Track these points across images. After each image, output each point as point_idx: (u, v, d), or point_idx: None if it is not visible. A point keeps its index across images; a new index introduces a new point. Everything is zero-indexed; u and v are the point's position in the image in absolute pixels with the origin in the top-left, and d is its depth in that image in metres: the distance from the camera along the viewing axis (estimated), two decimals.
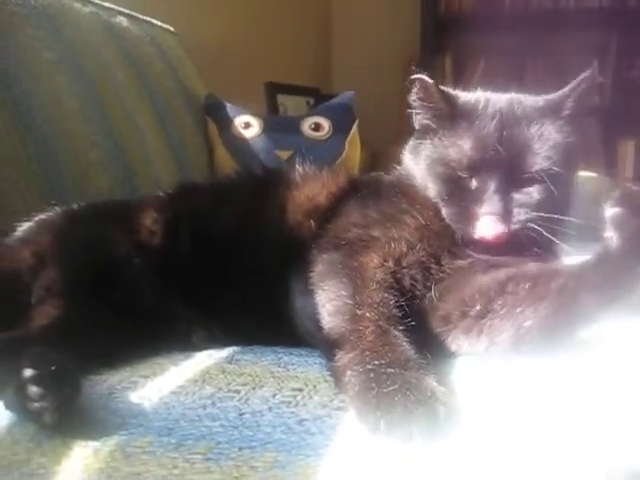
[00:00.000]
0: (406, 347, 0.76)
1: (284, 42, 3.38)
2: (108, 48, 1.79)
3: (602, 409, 0.70)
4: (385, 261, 0.90)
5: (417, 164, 1.02)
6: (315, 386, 0.80)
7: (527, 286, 0.85)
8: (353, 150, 2.16)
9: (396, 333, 0.78)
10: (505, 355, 0.85)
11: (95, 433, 0.68)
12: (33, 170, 1.34)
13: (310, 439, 0.67)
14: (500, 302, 0.86)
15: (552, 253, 0.96)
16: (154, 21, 2.14)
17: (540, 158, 0.93)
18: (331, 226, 0.98)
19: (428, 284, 0.92)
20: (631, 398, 0.72)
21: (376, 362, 0.72)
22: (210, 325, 0.98)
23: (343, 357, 0.76)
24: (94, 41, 1.74)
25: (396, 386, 0.68)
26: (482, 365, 0.85)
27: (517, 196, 0.93)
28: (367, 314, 0.80)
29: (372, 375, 0.70)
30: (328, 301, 0.85)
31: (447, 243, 0.94)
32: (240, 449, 0.65)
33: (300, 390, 0.79)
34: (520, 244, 0.93)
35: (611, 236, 0.79)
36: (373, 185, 1.07)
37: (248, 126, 2.10)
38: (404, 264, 0.91)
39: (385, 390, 0.68)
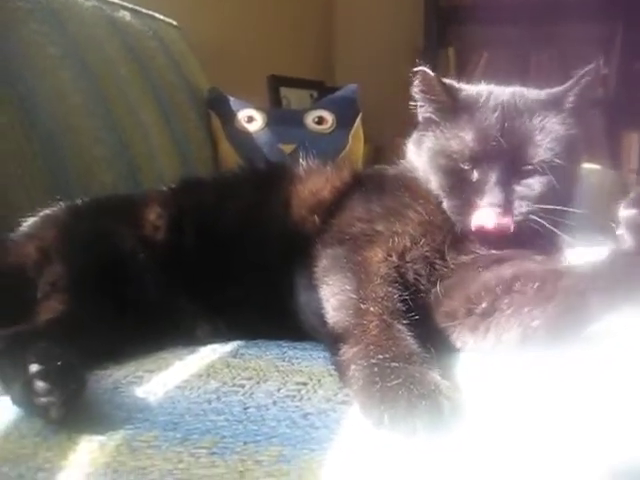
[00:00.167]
0: (410, 341, 0.76)
1: (287, 35, 3.37)
2: (111, 42, 1.79)
3: (606, 405, 0.70)
4: (389, 256, 0.90)
5: (419, 156, 1.02)
6: (319, 380, 0.80)
7: (535, 285, 0.85)
8: (357, 143, 2.16)
9: (400, 327, 0.79)
10: (510, 351, 0.85)
11: (101, 427, 0.69)
12: (38, 165, 1.34)
13: (315, 433, 0.67)
14: (507, 301, 0.86)
15: (554, 245, 0.96)
16: (157, 15, 2.13)
17: (542, 150, 0.93)
18: (335, 221, 0.99)
19: (432, 279, 0.93)
20: (635, 395, 0.72)
21: (380, 356, 0.72)
22: (214, 320, 0.99)
23: (347, 351, 0.76)
24: (97, 36, 1.74)
25: (400, 380, 0.68)
26: (486, 359, 0.85)
27: (518, 188, 0.93)
28: (371, 308, 0.80)
29: (376, 369, 0.71)
30: (332, 295, 0.85)
31: (450, 238, 0.94)
32: (245, 443, 0.65)
33: (304, 384, 0.79)
34: (522, 236, 0.93)
35: (624, 237, 0.79)
36: (377, 179, 1.07)
37: (251, 120, 2.10)
38: (408, 259, 0.91)
39: (389, 384, 0.68)
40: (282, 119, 2.17)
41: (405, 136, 1.08)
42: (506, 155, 0.93)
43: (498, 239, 0.93)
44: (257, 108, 2.15)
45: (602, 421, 0.68)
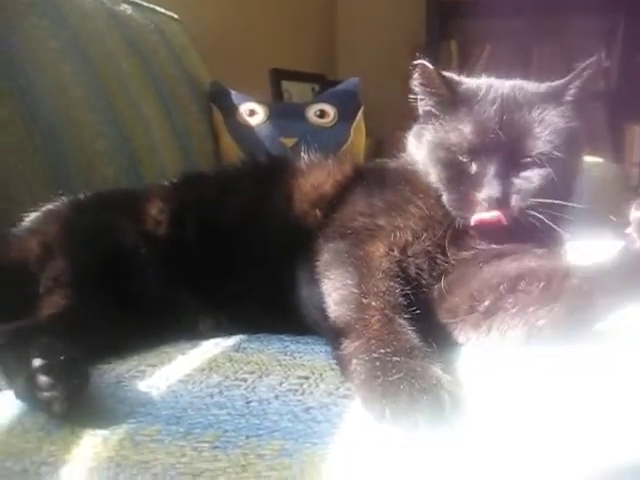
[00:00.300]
0: (411, 336, 0.76)
1: (289, 28, 3.36)
2: (112, 36, 1.79)
3: (608, 401, 0.71)
4: (391, 250, 0.90)
5: (419, 149, 1.02)
6: (321, 374, 0.81)
7: (540, 285, 0.85)
8: (358, 137, 2.16)
9: (402, 322, 0.79)
10: (513, 347, 0.85)
11: (104, 422, 0.69)
12: (39, 159, 1.34)
13: (316, 427, 0.67)
14: (511, 300, 0.86)
15: (553, 239, 0.95)
16: (158, 8, 2.13)
17: (541, 142, 0.92)
18: (337, 215, 0.99)
19: (434, 274, 0.93)
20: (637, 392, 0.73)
21: (382, 350, 0.72)
22: (216, 314, 0.99)
23: (349, 345, 0.76)
24: (98, 29, 1.73)
25: (401, 374, 0.68)
26: (487, 354, 0.85)
27: (517, 181, 0.92)
28: (373, 303, 0.80)
29: (378, 363, 0.71)
30: (334, 290, 0.85)
31: (450, 233, 0.94)
32: (247, 437, 0.65)
33: (306, 378, 0.79)
34: (520, 230, 0.93)
35: (633, 237, 0.79)
36: (378, 173, 1.07)
37: (253, 113, 2.10)
38: (410, 253, 0.92)
39: (390, 378, 0.68)
40: (284, 113, 2.17)
41: (406, 129, 1.08)
42: (504, 148, 0.92)
43: (496, 232, 0.93)
44: (259, 101, 2.15)
45: (602, 416, 0.68)
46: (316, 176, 1.08)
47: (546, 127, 0.93)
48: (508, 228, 0.93)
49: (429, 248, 0.93)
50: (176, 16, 2.23)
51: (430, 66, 0.98)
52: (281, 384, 0.78)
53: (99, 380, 0.79)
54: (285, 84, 3.23)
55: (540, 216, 0.91)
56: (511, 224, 0.92)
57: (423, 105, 1.02)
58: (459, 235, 0.95)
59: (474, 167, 0.94)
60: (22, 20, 1.45)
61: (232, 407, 0.72)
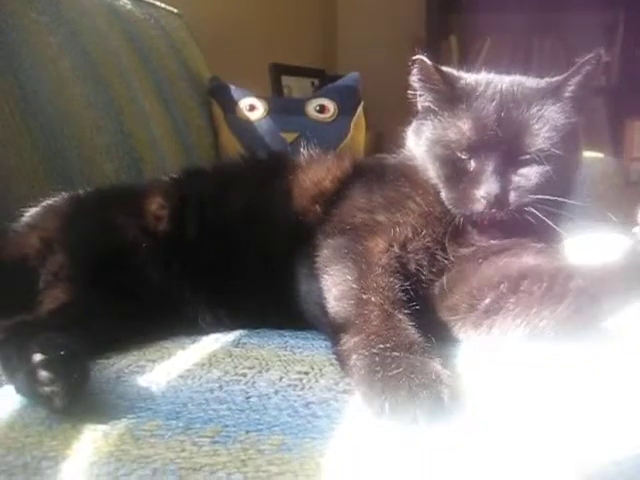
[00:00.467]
0: (411, 331, 0.77)
1: (289, 23, 3.35)
2: (112, 31, 1.79)
3: (607, 396, 0.71)
4: (390, 246, 0.90)
5: (418, 145, 1.01)
6: (321, 369, 0.81)
7: (543, 286, 0.85)
8: (358, 132, 2.16)
9: (401, 317, 0.79)
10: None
11: (104, 417, 0.69)
12: (39, 155, 1.34)
13: (316, 422, 0.67)
14: (513, 300, 0.86)
15: (552, 235, 0.95)
16: (158, 3, 2.13)
17: (539, 139, 0.92)
18: (336, 211, 0.99)
19: (433, 270, 0.93)
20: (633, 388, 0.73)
21: (381, 346, 0.73)
22: (216, 309, 0.99)
23: (348, 341, 0.77)
24: (98, 24, 1.73)
25: (401, 369, 0.68)
26: (487, 349, 0.86)
27: (515, 178, 0.92)
28: (372, 298, 0.81)
29: (377, 359, 0.71)
30: (334, 285, 0.86)
31: (449, 229, 0.94)
32: (247, 432, 0.66)
33: (306, 373, 0.80)
34: (519, 226, 0.93)
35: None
36: (378, 169, 1.07)
37: (253, 108, 2.10)
38: (409, 249, 0.92)
39: (390, 373, 0.68)
40: (283, 107, 2.17)
41: (406, 125, 1.08)
42: (503, 145, 0.92)
43: (494, 229, 0.93)
44: (258, 96, 2.15)
45: (601, 410, 0.68)
46: (316, 172, 1.08)
47: (545, 124, 0.93)
48: (505, 224, 0.93)
49: (429, 244, 0.93)
50: (176, 11, 2.23)
51: (429, 61, 0.97)
52: (281, 379, 0.78)
53: (99, 375, 0.79)
54: (285, 79, 3.22)
55: (538, 213, 0.91)
56: (509, 221, 0.92)
57: (422, 101, 1.01)
58: (458, 232, 0.95)
59: (473, 164, 0.94)
60: (21, 16, 1.44)
61: (232, 402, 0.72)
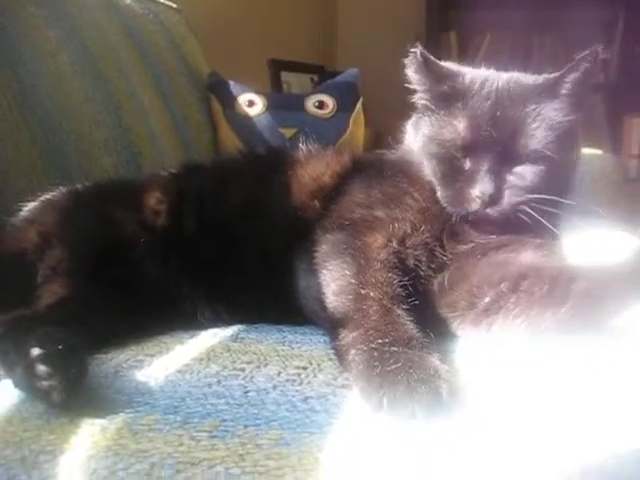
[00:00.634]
0: (409, 326, 0.77)
1: (288, 19, 3.35)
2: (111, 26, 1.78)
3: (606, 392, 0.71)
4: (389, 241, 0.90)
5: (415, 141, 1.01)
6: (319, 364, 0.81)
7: (544, 288, 0.85)
8: (357, 128, 2.15)
9: (400, 312, 0.79)
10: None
11: (102, 411, 0.69)
12: (37, 150, 1.34)
13: (314, 417, 0.67)
14: (513, 300, 0.86)
15: (549, 233, 0.94)
16: None
17: (535, 139, 0.91)
18: (335, 206, 0.99)
19: (432, 265, 0.93)
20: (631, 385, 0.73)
21: (380, 341, 0.73)
22: (215, 304, 0.99)
23: (347, 336, 0.77)
24: (97, 19, 1.73)
25: (399, 364, 0.68)
26: (485, 344, 0.86)
27: (510, 177, 0.91)
28: (371, 293, 0.81)
29: (375, 354, 0.71)
30: (332, 281, 0.86)
31: (447, 226, 0.94)
32: (245, 427, 0.66)
33: (304, 368, 0.80)
34: (515, 225, 0.92)
35: None
36: (377, 164, 1.06)
37: (252, 104, 2.10)
38: (408, 244, 0.92)
39: (388, 368, 0.68)
40: (283, 103, 2.17)
41: (406, 120, 1.07)
42: (498, 144, 0.91)
43: (490, 227, 0.93)
44: (257, 92, 2.15)
45: (598, 405, 0.68)
46: (315, 167, 1.08)
47: (541, 123, 0.92)
48: (503, 223, 0.92)
49: (427, 240, 0.93)
50: (175, 6, 2.22)
51: (425, 56, 0.97)
52: (279, 374, 0.78)
53: (97, 370, 0.79)
54: (284, 75, 3.22)
55: (534, 212, 0.90)
56: (505, 220, 0.92)
57: (419, 97, 1.01)
58: (455, 229, 0.95)
59: (468, 163, 0.93)
60: (20, 10, 1.44)
61: (230, 397, 0.72)
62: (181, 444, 0.63)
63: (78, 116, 1.49)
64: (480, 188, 0.90)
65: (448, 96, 0.96)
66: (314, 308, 0.90)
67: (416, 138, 1.01)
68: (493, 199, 0.90)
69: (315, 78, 3.42)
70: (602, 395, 0.70)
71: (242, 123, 2.07)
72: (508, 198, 0.91)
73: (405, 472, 0.59)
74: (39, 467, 0.62)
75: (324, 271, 0.88)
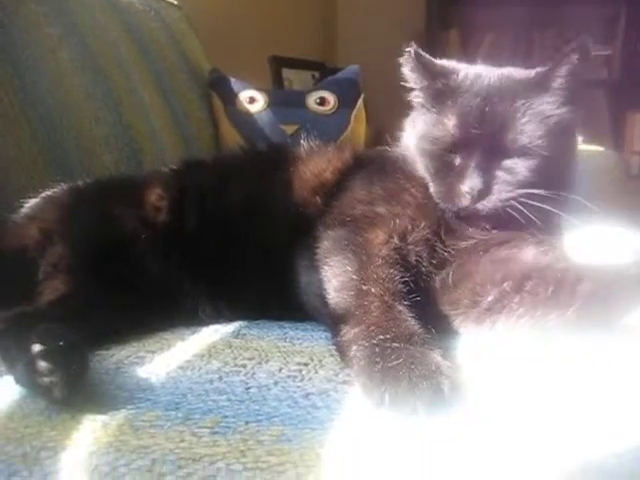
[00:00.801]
0: (411, 322, 0.77)
1: (289, 15, 3.34)
2: (111, 22, 1.78)
3: (608, 389, 0.71)
4: (390, 237, 0.90)
5: (411, 138, 1.01)
6: (321, 360, 0.81)
7: (550, 289, 0.84)
8: (359, 124, 2.15)
9: (401, 308, 0.79)
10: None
11: (103, 407, 0.69)
12: (38, 146, 1.34)
13: (316, 413, 0.67)
14: (517, 300, 0.86)
15: (547, 229, 0.94)
16: None
17: (524, 133, 0.90)
18: (337, 202, 0.99)
19: (434, 262, 0.93)
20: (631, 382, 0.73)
21: (381, 337, 0.72)
22: (216, 301, 0.99)
23: (348, 332, 0.77)
24: (97, 15, 1.73)
25: (401, 360, 0.68)
26: (487, 340, 0.85)
27: (500, 172, 0.91)
28: (372, 289, 0.80)
29: (377, 349, 0.71)
30: (334, 277, 0.85)
31: (443, 221, 0.94)
32: (247, 423, 0.66)
33: (306, 364, 0.80)
34: (508, 221, 0.92)
35: None
36: (377, 161, 1.07)
37: (253, 101, 2.09)
38: (409, 240, 0.91)
39: (390, 364, 0.68)
40: (284, 100, 2.17)
41: (405, 118, 1.07)
42: (487, 140, 0.91)
43: (484, 223, 0.93)
44: (258, 89, 2.15)
45: (600, 402, 0.68)
46: (316, 163, 1.08)
47: (530, 117, 0.91)
48: (496, 219, 0.92)
49: (428, 236, 0.93)
50: (176, 2, 2.22)
51: (420, 54, 0.97)
52: (280, 370, 0.78)
53: (99, 366, 0.79)
54: (285, 71, 3.22)
55: (523, 208, 0.89)
56: (496, 215, 0.91)
57: (415, 94, 1.01)
58: (453, 224, 0.94)
59: (458, 160, 0.93)
60: (21, 6, 1.44)
61: (232, 393, 0.72)
62: (182, 440, 0.63)
63: (79, 113, 1.49)
64: (469, 184, 0.90)
65: (441, 94, 0.96)
66: (315, 304, 0.90)
67: (411, 135, 1.01)
68: (482, 194, 0.90)
69: (316, 75, 3.41)
70: (604, 392, 0.70)
71: (243, 120, 2.07)
72: (498, 193, 0.90)
73: (407, 468, 0.59)
74: (40, 463, 0.62)
75: (325, 267, 0.87)
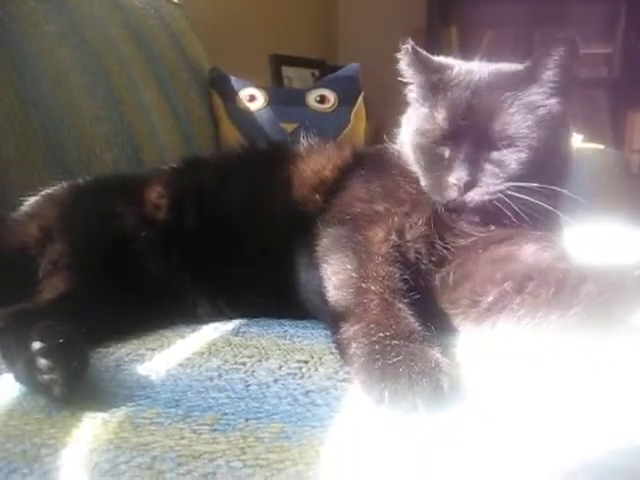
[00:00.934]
0: (410, 320, 0.77)
1: (289, 13, 3.34)
2: (112, 20, 1.78)
3: (607, 387, 0.71)
4: (389, 235, 0.90)
5: (406, 135, 1.02)
6: (320, 358, 0.81)
7: (551, 291, 0.84)
8: (359, 122, 2.15)
9: (401, 306, 0.79)
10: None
11: (104, 405, 0.69)
12: (38, 144, 1.34)
13: (316, 410, 0.67)
14: (518, 301, 0.86)
15: (540, 226, 0.93)
16: None
17: (512, 124, 0.91)
18: (336, 200, 0.99)
19: (433, 259, 0.93)
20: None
21: (381, 334, 0.72)
22: (216, 299, 0.99)
23: (348, 329, 0.77)
24: (97, 13, 1.73)
25: (400, 358, 0.68)
26: (487, 337, 0.85)
27: (488, 165, 0.91)
28: (372, 287, 0.81)
29: (377, 347, 0.71)
30: (333, 274, 0.86)
31: (436, 216, 0.94)
32: (246, 420, 0.66)
33: (306, 362, 0.80)
34: (498, 214, 0.91)
35: None
36: (376, 158, 1.07)
37: (253, 99, 2.09)
38: (408, 238, 0.91)
39: (389, 362, 0.68)
40: (284, 98, 2.17)
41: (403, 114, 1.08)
42: (473, 132, 0.92)
43: (473, 217, 0.93)
44: (259, 87, 2.15)
45: (600, 400, 0.68)
46: (316, 161, 1.08)
47: (518, 108, 0.91)
48: (484, 212, 0.92)
49: (427, 232, 0.93)
50: (176, 1, 2.22)
51: (416, 50, 0.98)
52: (280, 368, 0.78)
53: (99, 363, 0.79)
54: (285, 70, 3.21)
55: (510, 201, 0.89)
56: (483, 208, 0.91)
57: (410, 89, 1.02)
58: (448, 220, 0.94)
59: (447, 152, 0.94)
60: (20, 4, 1.44)
61: (231, 390, 0.72)
62: (182, 437, 0.63)
63: (79, 111, 1.49)
64: (455, 175, 0.91)
65: (434, 88, 0.97)
66: (315, 302, 0.90)
67: (407, 131, 1.02)
68: (468, 186, 0.90)
69: (316, 73, 3.41)
70: (604, 390, 0.70)
71: (243, 118, 2.07)
72: (485, 186, 0.90)
73: (407, 465, 0.59)
74: (40, 461, 0.62)
75: (325, 265, 0.88)
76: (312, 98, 2.11)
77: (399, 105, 1.07)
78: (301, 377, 0.75)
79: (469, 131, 0.92)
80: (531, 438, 0.61)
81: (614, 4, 3.60)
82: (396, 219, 0.92)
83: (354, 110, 2.13)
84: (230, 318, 0.99)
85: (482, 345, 0.84)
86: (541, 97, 0.93)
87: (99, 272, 0.94)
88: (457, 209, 0.93)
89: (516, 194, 0.89)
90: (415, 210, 0.94)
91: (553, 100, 0.94)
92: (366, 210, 0.95)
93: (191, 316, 0.98)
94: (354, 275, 0.83)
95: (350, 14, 3.97)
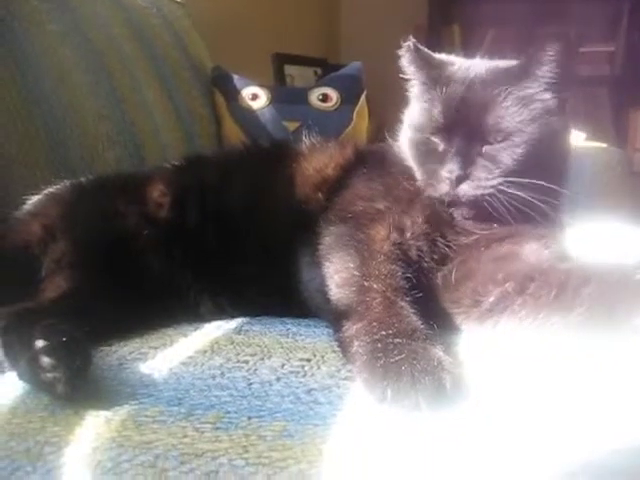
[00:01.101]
0: (413, 318, 0.77)
1: (291, 12, 3.34)
2: (114, 19, 1.78)
3: (609, 386, 0.71)
4: (391, 233, 0.90)
5: (405, 131, 1.02)
6: (323, 356, 0.81)
7: (553, 293, 0.83)
8: (361, 121, 2.15)
9: (403, 304, 0.79)
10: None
11: (106, 403, 0.69)
12: (41, 143, 1.34)
13: (318, 408, 0.68)
14: (519, 302, 0.85)
15: (540, 223, 0.93)
16: None
17: (505, 118, 0.91)
18: (338, 199, 0.99)
19: (435, 257, 0.93)
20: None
21: (383, 332, 0.72)
22: (218, 297, 0.99)
23: (350, 328, 0.77)
24: (100, 12, 1.73)
25: (403, 356, 0.68)
26: (489, 335, 0.85)
27: (480, 159, 0.91)
28: (374, 285, 0.81)
29: (379, 345, 0.71)
30: (336, 273, 0.86)
31: (435, 212, 0.94)
32: (249, 418, 0.66)
33: (308, 360, 0.80)
34: (492, 209, 0.91)
35: None
36: (378, 156, 1.07)
37: (255, 97, 2.09)
38: (409, 236, 0.92)
39: (392, 360, 0.68)
40: (286, 96, 2.16)
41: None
42: (466, 125, 0.92)
43: (467, 211, 0.93)
44: (261, 85, 2.14)
45: (601, 399, 0.68)
46: (318, 160, 1.08)
47: (512, 102, 0.91)
48: (478, 207, 0.92)
49: (428, 230, 0.93)
50: None
51: (417, 47, 0.98)
52: (283, 366, 0.78)
53: (102, 362, 0.79)
54: (288, 68, 3.21)
55: (502, 197, 0.89)
56: (477, 202, 0.91)
57: (410, 84, 1.03)
58: (448, 217, 0.94)
59: (441, 146, 0.94)
60: (23, 3, 1.44)
61: (234, 389, 0.72)
62: (185, 436, 0.63)
63: (82, 110, 1.49)
64: (447, 168, 0.91)
65: (433, 85, 0.97)
66: (317, 300, 0.90)
67: (406, 128, 1.02)
68: (460, 179, 0.90)
69: (318, 71, 3.41)
70: (605, 390, 0.70)
71: (246, 116, 2.07)
72: (477, 179, 0.90)
73: (409, 463, 0.59)
74: (44, 459, 0.62)
75: (327, 263, 0.88)
76: (314, 97, 2.11)
77: (401, 103, 1.07)
78: (303, 375, 0.75)
79: (463, 124, 0.92)
80: (532, 438, 0.61)
81: (617, 2, 3.59)
82: (397, 217, 0.92)
83: (356, 108, 2.13)
84: (232, 316, 0.99)
85: (484, 344, 0.84)
86: (535, 92, 0.93)
87: (102, 270, 0.95)
88: (451, 203, 0.93)
89: (510, 190, 0.89)
90: (415, 208, 0.94)
91: (547, 95, 0.93)
92: (368, 208, 0.95)
93: (193, 314, 0.98)
94: (356, 273, 0.83)
95: (352, 13, 3.97)
